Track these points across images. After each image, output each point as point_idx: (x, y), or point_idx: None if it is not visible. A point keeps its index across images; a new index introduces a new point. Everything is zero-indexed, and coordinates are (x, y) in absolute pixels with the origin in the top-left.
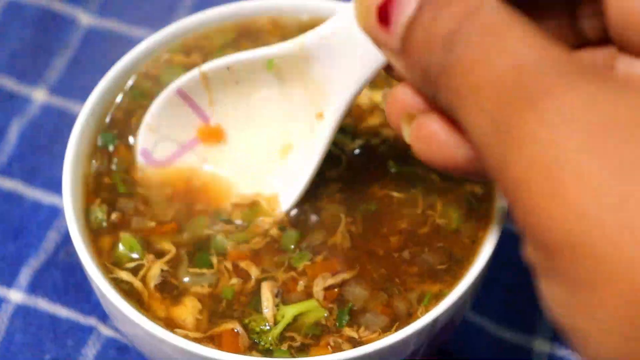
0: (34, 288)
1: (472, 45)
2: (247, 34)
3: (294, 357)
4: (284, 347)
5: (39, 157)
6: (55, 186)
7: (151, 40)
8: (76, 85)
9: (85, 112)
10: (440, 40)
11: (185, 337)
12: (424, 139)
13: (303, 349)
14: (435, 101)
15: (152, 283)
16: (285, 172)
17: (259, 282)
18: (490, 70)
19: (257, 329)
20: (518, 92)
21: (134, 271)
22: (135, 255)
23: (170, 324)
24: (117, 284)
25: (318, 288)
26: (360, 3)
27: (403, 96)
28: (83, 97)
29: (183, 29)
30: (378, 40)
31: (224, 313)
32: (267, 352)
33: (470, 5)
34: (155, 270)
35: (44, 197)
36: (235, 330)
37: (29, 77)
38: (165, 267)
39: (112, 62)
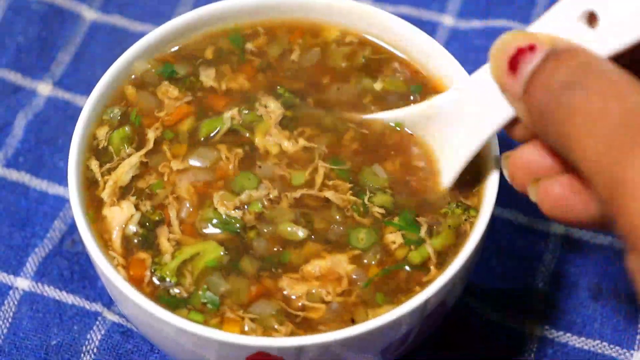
0: (40, 276)
1: (588, 88)
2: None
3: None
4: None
5: (44, 149)
6: (60, 177)
7: (153, 35)
8: (80, 79)
9: (89, 104)
10: (559, 85)
11: (112, 260)
12: (550, 201)
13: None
14: (547, 138)
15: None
16: None
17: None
18: (604, 108)
19: (157, 260)
20: (629, 129)
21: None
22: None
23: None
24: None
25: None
26: (496, 52)
27: (528, 157)
28: (87, 91)
29: (185, 24)
30: (504, 86)
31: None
32: (161, 279)
33: (586, 59)
34: (134, 159)
35: (49, 188)
36: (142, 260)
37: (35, 72)
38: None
39: (116, 57)
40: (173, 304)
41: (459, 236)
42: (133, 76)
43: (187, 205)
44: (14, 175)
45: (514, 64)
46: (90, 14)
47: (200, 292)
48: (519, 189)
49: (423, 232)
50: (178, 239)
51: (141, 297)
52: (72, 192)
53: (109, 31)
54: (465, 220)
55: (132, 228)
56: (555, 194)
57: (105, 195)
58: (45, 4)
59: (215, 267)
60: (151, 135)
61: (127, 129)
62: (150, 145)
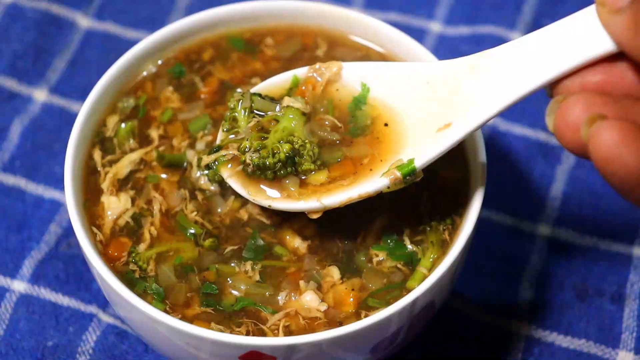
0: (36, 278)
1: None
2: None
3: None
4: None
5: (40, 154)
6: (55, 182)
7: (147, 42)
8: (75, 85)
9: (84, 111)
10: None
11: (95, 239)
12: (603, 147)
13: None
14: None
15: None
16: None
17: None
18: None
19: (136, 246)
20: None
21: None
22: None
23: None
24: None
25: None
26: None
27: (583, 102)
28: (82, 97)
29: (177, 31)
30: (607, 2)
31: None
32: (133, 263)
33: None
34: (134, 156)
35: (45, 192)
36: (123, 243)
37: (30, 78)
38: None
39: (110, 63)
40: (135, 284)
41: (444, 244)
42: (145, 73)
43: (170, 201)
44: (10, 179)
45: None
46: (84, 22)
47: (147, 283)
48: (563, 136)
49: (408, 244)
50: (156, 232)
51: (135, 297)
52: (68, 193)
53: (103, 38)
54: (444, 230)
55: (125, 220)
56: (612, 138)
57: (104, 186)
58: (41, 11)
59: (183, 264)
60: (155, 134)
61: (135, 122)
62: (155, 143)
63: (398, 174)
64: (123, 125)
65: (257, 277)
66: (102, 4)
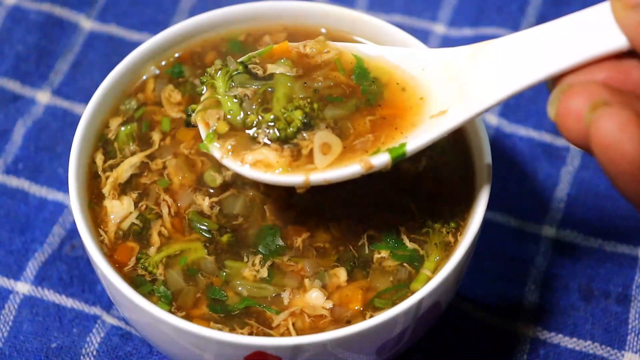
0: (40, 280)
1: None
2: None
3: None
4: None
5: (43, 156)
6: (59, 184)
7: (150, 44)
8: (78, 87)
9: (87, 114)
10: None
11: (100, 241)
12: (601, 132)
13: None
14: None
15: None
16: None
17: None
18: None
19: (144, 251)
20: None
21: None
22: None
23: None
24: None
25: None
26: None
27: (588, 90)
28: (85, 99)
29: (180, 33)
30: None
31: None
32: (143, 269)
33: None
34: (135, 159)
35: (48, 194)
36: (131, 248)
37: (33, 80)
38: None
39: (113, 65)
40: (141, 286)
41: (448, 246)
42: (145, 77)
43: (179, 203)
44: (13, 181)
45: None
46: (87, 24)
47: (154, 286)
48: (567, 128)
49: (408, 243)
50: (167, 233)
51: (139, 297)
52: (72, 192)
53: (106, 40)
54: (448, 233)
55: (129, 223)
56: (613, 124)
57: (105, 190)
58: (44, 13)
59: (189, 266)
60: (156, 137)
61: (135, 125)
62: (155, 146)
63: (387, 156)
64: (123, 128)
65: (265, 274)
66: (105, 6)
